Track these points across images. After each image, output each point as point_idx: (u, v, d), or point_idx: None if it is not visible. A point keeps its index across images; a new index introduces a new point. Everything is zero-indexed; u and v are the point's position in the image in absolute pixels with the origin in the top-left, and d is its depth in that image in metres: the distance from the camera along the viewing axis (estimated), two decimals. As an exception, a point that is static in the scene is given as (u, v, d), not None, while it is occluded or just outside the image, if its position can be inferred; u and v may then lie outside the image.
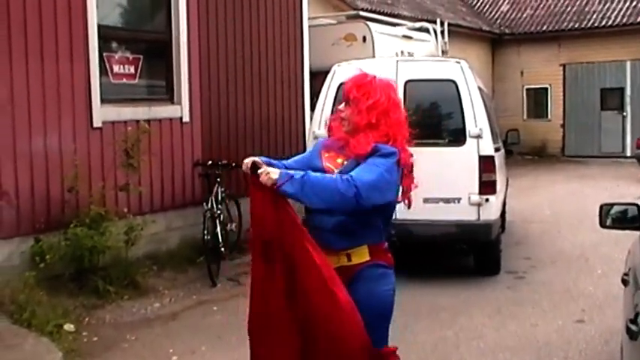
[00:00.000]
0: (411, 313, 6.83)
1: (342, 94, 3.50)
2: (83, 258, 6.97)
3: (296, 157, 3.69)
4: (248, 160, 3.38)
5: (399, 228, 7.89)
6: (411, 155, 3.43)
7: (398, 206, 8.39)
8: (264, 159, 3.46)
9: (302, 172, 3.24)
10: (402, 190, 3.46)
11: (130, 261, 7.53)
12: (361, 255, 3.40)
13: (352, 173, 3.22)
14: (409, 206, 3.62)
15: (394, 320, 6.84)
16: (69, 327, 6.18)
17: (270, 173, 3.23)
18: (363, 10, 15.10)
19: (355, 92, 3.40)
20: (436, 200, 7.70)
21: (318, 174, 3.26)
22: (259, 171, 3.26)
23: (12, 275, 6.65)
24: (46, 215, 7.18)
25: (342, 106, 3.48)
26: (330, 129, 3.64)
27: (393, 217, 8.17)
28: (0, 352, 5.50)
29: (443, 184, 7.68)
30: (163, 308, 7.06)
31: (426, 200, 7.70)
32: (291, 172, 3.26)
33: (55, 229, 7.10)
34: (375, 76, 3.46)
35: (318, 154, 3.54)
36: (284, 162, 3.58)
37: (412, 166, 3.47)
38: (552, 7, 24.24)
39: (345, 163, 3.39)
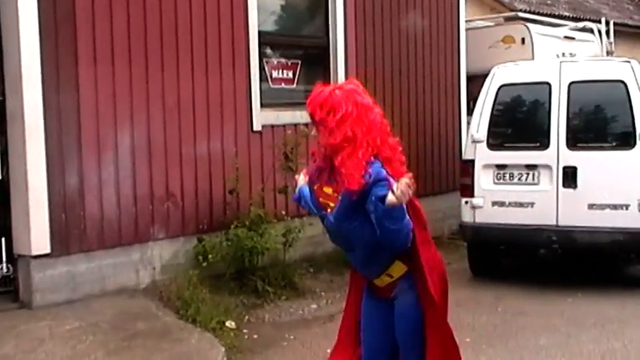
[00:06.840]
0: (575, 322, 6.55)
1: (310, 118, 3.25)
2: (243, 258, 7.15)
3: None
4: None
5: (561, 234, 7.63)
6: (401, 152, 3.26)
7: (561, 213, 8.07)
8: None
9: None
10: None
11: (287, 262, 7.66)
12: (399, 268, 3.36)
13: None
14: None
15: (558, 328, 6.56)
16: (230, 324, 6.37)
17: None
18: (521, 11, 14.64)
19: (320, 112, 3.17)
20: (602, 207, 7.38)
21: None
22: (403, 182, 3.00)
23: (177, 273, 6.96)
24: (209, 216, 7.45)
25: (313, 133, 3.28)
26: (312, 154, 3.45)
27: (555, 223, 7.86)
28: (169, 345, 5.76)
29: (609, 189, 7.37)
30: (320, 310, 7.12)
31: (590, 206, 7.41)
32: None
33: (217, 229, 7.35)
34: (333, 87, 3.24)
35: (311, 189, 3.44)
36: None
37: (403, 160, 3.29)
38: None
39: (340, 197, 3.22)
